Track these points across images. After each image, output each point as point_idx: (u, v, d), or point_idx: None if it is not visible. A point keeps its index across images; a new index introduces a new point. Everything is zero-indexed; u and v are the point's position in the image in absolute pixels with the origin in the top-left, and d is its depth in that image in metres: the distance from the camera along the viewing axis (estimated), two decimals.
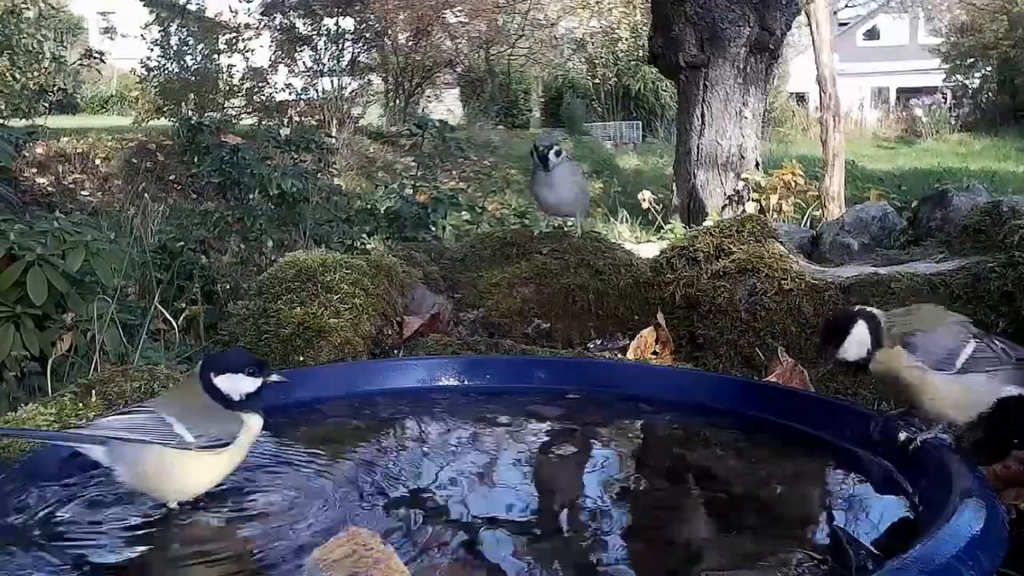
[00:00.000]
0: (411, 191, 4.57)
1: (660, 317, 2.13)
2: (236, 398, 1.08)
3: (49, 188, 8.01)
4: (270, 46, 13.73)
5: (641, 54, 15.53)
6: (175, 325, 2.79)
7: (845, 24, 28.22)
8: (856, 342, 1.21)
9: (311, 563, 0.89)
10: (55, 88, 9.23)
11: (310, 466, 1.29)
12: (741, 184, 6.23)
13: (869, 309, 1.24)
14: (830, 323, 1.26)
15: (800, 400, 1.44)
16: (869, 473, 1.21)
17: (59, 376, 2.35)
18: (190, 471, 1.06)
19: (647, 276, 2.26)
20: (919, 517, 1.04)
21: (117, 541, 1.05)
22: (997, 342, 1.19)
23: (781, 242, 2.20)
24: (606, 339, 2.19)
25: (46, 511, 1.12)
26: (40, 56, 8.73)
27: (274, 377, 1.13)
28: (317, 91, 13.72)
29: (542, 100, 21.05)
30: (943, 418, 1.18)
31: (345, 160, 10.93)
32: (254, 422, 1.09)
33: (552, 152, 2.23)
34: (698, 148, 6.39)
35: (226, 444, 1.06)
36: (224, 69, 13.23)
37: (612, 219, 7.26)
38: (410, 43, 15.73)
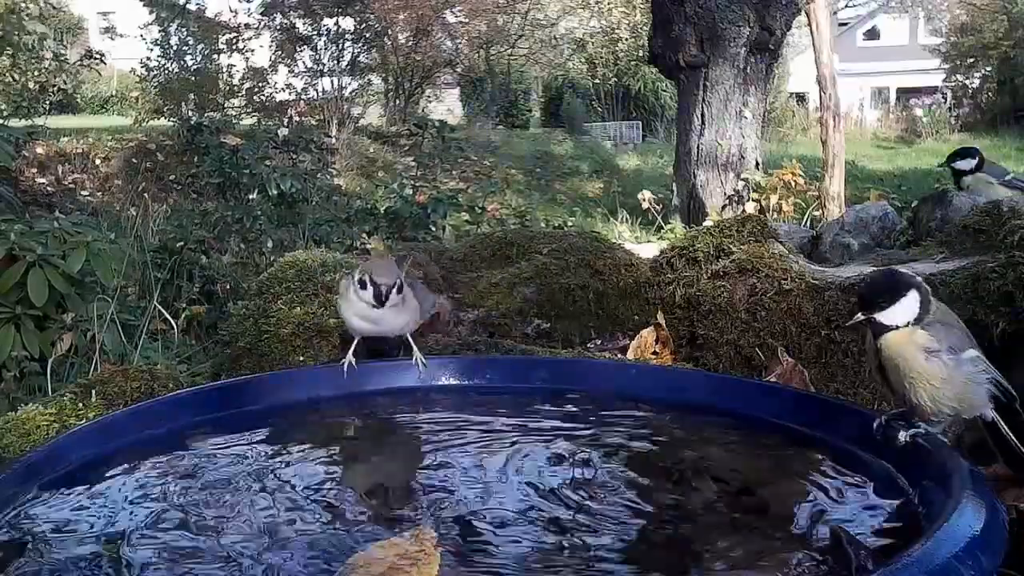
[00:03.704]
0: (411, 191, 4.58)
1: (660, 317, 2.13)
2: None
3: (49, 188, 8.02)
4: (270, 46, 13.73)
5: (641, 54, 15.53)
6: (175, 325, 2.79)
7: (845, 24, 28.22)
8: (904, 310, 1.17)
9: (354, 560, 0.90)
10: (55, 88, 9.23)
11: (310, 466, 1.30)
12: (741, 184, 6.23)
13: (919, 278, 1.20)
14: (884, 282, 1.21)
15: (800, 400, 1.44)
16: (869, 473, 1.21)
17: (59, 376, 2.35)
18: None
19: (647, 276, 2.26)
20: (919, 517, 1.04)
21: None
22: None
23: (781, 242, 2.20)
24: (606, 339, 2.19)
25: None
26: (40, 55, 8.74)
27: None
28: (317, 91, 13.73)
29: (542, 100, 21.05)
30: (940, 409, 1.17)
31: (345, 160, 10.94)
32: None
33: (394, 291, 1.56)
34: (698, 148, 6.38)
35: None
36: (224, 69, 13.22)
37: (612, 219, 7.27)
38: (410, 43, 15.73)
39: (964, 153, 2.92)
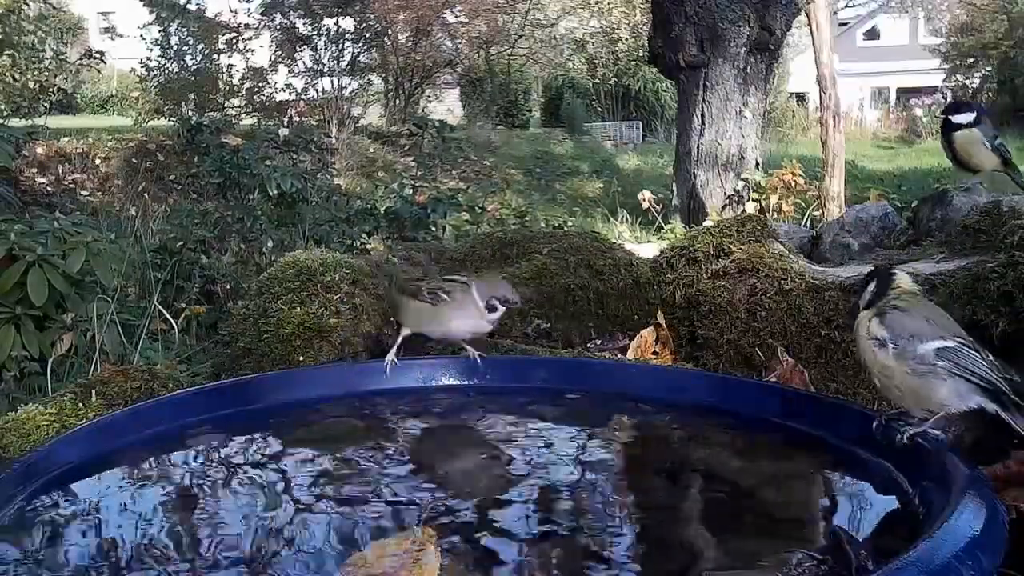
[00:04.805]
0: (411, 191, 4.58)
1: (660, 317, 2.13)
2: None
3: (49, 188, 8.01)
4: (270, 46, 13.73)
5: (641, 54, 15.53)
6: (175, 325, 2.79)
7: (845, 24, 28.23)
8: (865, 297, 1.30)
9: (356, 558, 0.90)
10: (55, 88, 9.23)
11: (310, 466, 1.30)
12: (741, 184, 6.23)
13: (900, 274, 1.29)
14: (866, 275, 1.35)
15: (800, 400, 1.44)
16: (869, 473, 1.21)
17: (59, 376, 2.35)
18: None
19: (647, 276, 2.26)
20: (919, 517, 1.04)
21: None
22: (990, 356, 1.17)
23: (781, 242, 2.20)
24: (606, 339, 2.18)
25: None
26: (41, 54, 8.74)
27: None
28: (317, 91, 13.73)
29: (542, 100, 21.05)
30: (906, 403, 1.18)
31: (345, 160, 10.94)
32: None
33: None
34: (698, 148, 6.39)
35: None
36: (224, 69, 13.23)
37: (612, 219, 7.28)
38: (410, 43, 15.73)
39: (962, 107, 2.63)
